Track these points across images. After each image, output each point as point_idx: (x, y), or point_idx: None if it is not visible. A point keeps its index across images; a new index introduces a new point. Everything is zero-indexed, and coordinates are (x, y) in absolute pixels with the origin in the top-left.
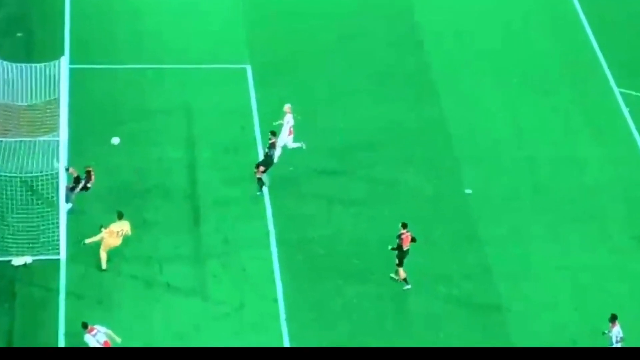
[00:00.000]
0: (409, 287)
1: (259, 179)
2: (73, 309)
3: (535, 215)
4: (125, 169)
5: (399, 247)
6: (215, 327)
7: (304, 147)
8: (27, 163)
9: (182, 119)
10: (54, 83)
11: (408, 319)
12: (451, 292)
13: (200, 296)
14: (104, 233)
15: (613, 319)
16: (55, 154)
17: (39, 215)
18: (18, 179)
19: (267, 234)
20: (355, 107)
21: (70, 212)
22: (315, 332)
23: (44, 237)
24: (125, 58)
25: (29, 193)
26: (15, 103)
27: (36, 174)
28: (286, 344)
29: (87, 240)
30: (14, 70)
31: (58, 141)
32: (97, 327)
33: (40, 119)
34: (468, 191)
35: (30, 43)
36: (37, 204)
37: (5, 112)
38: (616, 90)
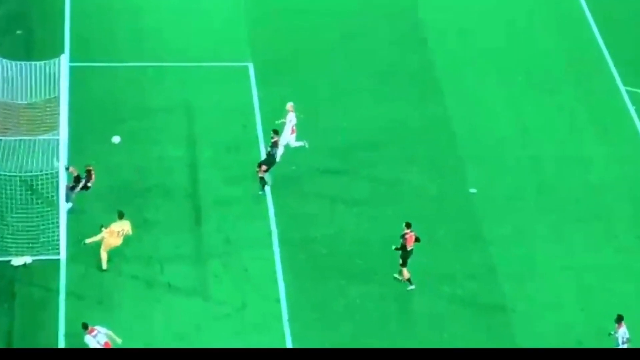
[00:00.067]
0: (412, 287)
1: (261, 178)
2: (73, 309)
3: (540, 214)
4: (125, 167)
5: (403, 247)
6: (216, 328)
7: (307, 146)
8: (27, 162)
9: (183, 117)
10: (54, 81)
11: (412, 319)
12: (455, 292)
13: (202, 296)
14: (105, 233)
15: (619, 319)
16: (55, 152)
17: (39, 214)
18: (18, 178)
19: (269, 233)
20: (358, 106)
21: (70, 212)
22: (318, 333)
23: (43, 237)
24: (125, 56)
25: (29, 192)
26: (14, 101)
27: (36, 173)
28: (288, 344)
29: (88, 240)
30: (14, 68)
31: (58, 140)
32: (98, 327)
33: (40, 117)
34: (472, 190)
35: (30, 41)
36: (37, 204)
37: (5, 111)
38: (622, 88)
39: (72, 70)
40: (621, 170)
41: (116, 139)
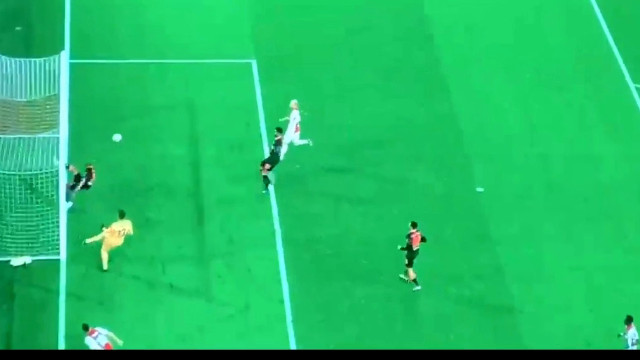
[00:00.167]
0: (418, 288)
1: (265, 177)
2: (73, 310)
3: (549, 214)
4: (127, 166)
5: (409, 247)
6: (219, 329)
7: (311, 144)
8: (27, 160)
9: (186, 115)
10: (54, 78)
11: (418, 320)
12: (462, 293)
13: (204, 297)
14: (105, 232)
15: (629, 320)
16: (55, 151)
17: (39, 214)
18: (17, 177)
19: (273, 233)
20: (363, 103)
21: (70, 211)
22: (323, 335)
23: (43, 237)
24: (127, 52)
25: (28, 191)
26: (14, 99)
27: (36, 172)
28: (292, 346)
29: (88, 240)
30: (13, 65)
31: (58, 138)
32: (98, 329)
33: (39, 115)
34: (479, 189)
35: (29, 37)
36: (37, 203)
37: (4, 108)
38: (632, 85)
39: (73, 67)
40: (631, 169)
41: (117, 137)
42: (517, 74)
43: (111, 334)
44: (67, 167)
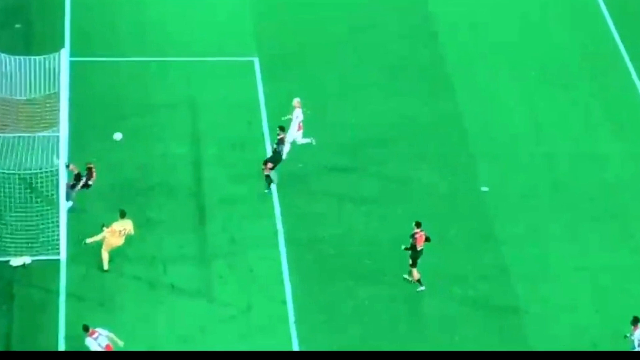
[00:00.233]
0: (422, 288)
1: (267, 176)
2: (73, 311)
3: (554, 213)
4: (128, 165)
5: (413, 247)
6: (221, 330)
7: (314, 143)
8: (26, 159)
9: (187, 113)
10: (54, 76)
11: (422, 321)
12: (467, 293)
13: (206, 298)
14: (106, 232)
15: (635, 321)
16: (55, 150)
17: (38, 213)
18: (16, 176)
19: (276, 233)
20: (366, 102)
21: (70, 211)
22: (326, 335)
23: (43, 237)
24: (128, 50)
25: (28, 191)
26: (13, 97)
27: (35, 171)
28: (295, 347)
29: (88, 240)
30: (13, 63)
31: (58, 137)
32: (99, 330)
33: (39, 113)
34: (484, 189)
35: (29, 35)
36: (36, 202)
37: (4, 107)
38: (638, 84)
39: (73, 65)
40: (637, 168)
41: (118, 136)
42: (522, 72)
43: (112, 335)
44: (67, 166)
